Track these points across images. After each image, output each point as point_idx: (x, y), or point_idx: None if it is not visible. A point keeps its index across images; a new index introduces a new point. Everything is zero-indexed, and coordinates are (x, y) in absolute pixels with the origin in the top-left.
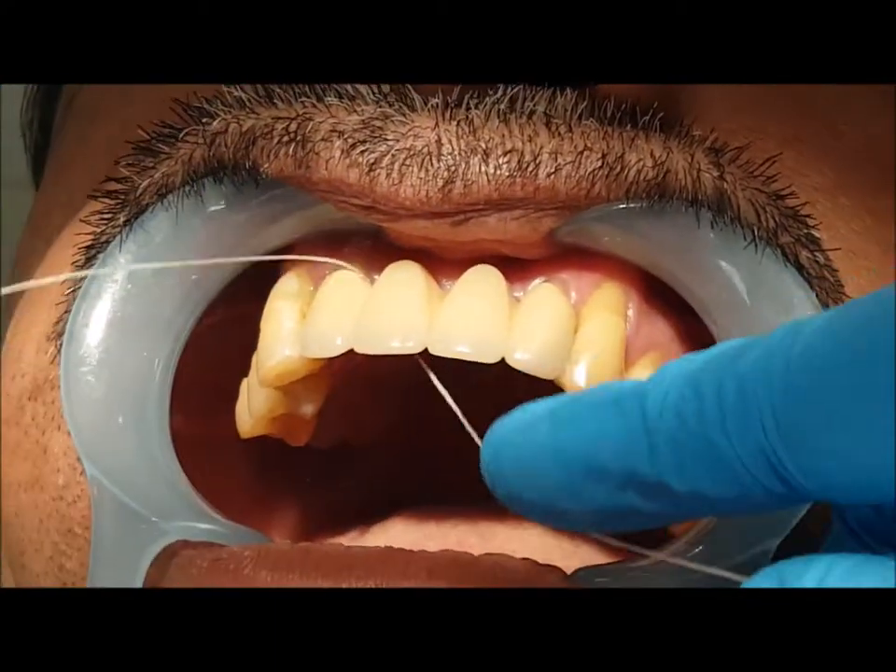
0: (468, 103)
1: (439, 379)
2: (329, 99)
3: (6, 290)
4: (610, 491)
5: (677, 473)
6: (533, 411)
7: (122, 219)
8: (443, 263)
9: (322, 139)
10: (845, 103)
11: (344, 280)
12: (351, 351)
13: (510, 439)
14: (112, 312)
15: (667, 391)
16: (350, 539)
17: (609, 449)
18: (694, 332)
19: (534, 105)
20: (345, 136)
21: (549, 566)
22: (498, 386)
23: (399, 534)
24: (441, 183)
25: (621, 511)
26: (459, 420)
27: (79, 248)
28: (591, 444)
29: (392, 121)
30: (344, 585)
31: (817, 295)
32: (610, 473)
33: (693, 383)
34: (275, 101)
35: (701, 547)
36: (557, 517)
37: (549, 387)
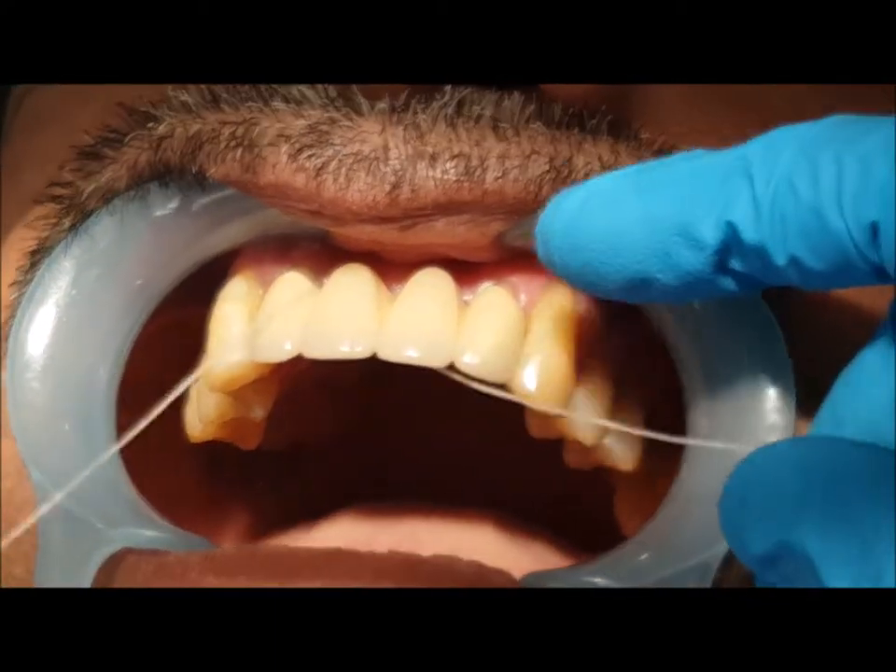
0: (414, 107)
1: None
2: (276, 103)
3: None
4: (705, 257)
5: (781, 241)
6: (607, 182)
7: (67, 224)
8: (392, 266)
9: (269, 143)
10: (799, 107)
11: (293, 284)
12: (300, 354)
13: (587, 209)
14: (57, 317)
15: (776, 160)
16: (299, 534)
17: (707, 213)
18: (645, 334)
19: (481, 110)
20: (292, 141)
21: (497, 569)
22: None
23: (348, 527)
24: (388, 188)
25: (711, 280)
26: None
27: (25, 253)
28: (687, 209)
29: (339, 126)
30: (291, 587)
31: (769, 299)
32: (706, 239)
33: (809, 155)
34: (222, 105)
35: (650, 553)
36: (639, 289)
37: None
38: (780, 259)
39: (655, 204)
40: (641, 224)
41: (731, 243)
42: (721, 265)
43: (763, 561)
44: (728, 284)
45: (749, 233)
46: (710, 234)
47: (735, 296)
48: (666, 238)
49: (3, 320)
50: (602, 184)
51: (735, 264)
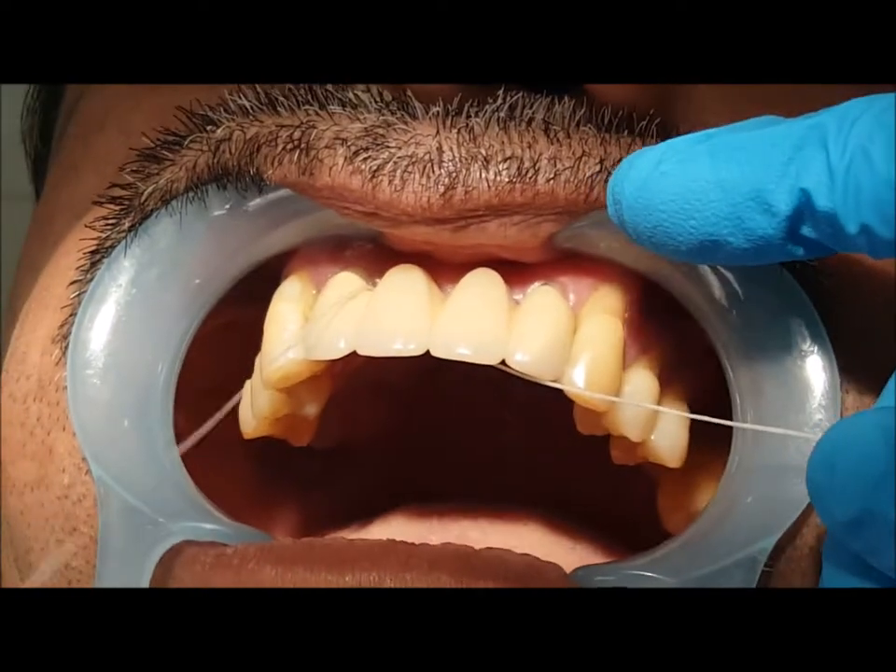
0: (468, 111)
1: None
2: (332, 107)
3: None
4: (778, 223)
5: (854, 210)
6: (681, 145)
7: (127, 225)
8: (444, 267)
9: (326, 146)
10: None
11: (346, 283)
12: (353, 353)
13: (660, 170)
14: (117, 316)
15: (851, 129)
16: (352, 533)
17: (781, 180)
18: (691, 334)
19: (533, 113)
20: (348, 144)
21: (549, 562)
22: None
23: (400, 528)
24: (442, 189)
25: (781, 245)
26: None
27: (84, 253)
28: (761, 174)
29: (394, 129)
30: (348, 577)
31: (812, 298)
32: (779, 205)
33: (887, 127)
34: (279, 109)
35: (698, 547)
36: (710, 251)
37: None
38: (852, 228)
39: (729, 169)
40: (715, 188)
41: (803, 209)
42: (792, 231)
43: (848, 527)
44: (797, 250)
45: (821, 201)
46: (784, 200)
47: (804, 259)
48: (740, 202)
49: (62, 319)
50: (676, 146)
51: (806, 231)
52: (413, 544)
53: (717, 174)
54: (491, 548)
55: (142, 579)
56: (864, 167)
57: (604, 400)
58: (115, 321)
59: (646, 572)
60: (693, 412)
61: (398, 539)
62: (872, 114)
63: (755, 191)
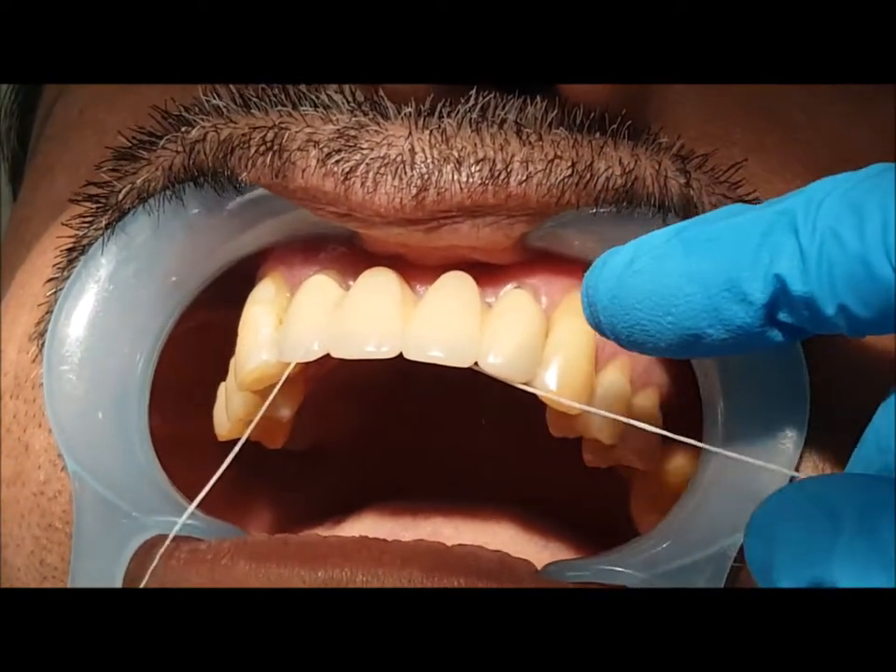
0: (440, 112)
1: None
2: (305, 108)
3: None
4: (755, 311)
5: (829, 291)
6: (652, 242)
7: (104, 223)
8: (417, 269)
9: (298, 148)
10: (812, 111)
11: (320, 286)
12: (326, 355)
13: (634, 269)
14: (93, 312)
15: (820, 210)
16: (326, 530)
17: (754, 268)
18: None
19: (505, 114)
20: (321, 146)
21: (521, 559)
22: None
23: (374, 524)
24: (414, 191)
25: (760, 332)
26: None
27: (61, 251)
28: (734, 264)
29: (366, 130)
30: (321, 573)
31: None
32: (755, 293)
33: (853, 205)
34: (252, 110)
35: (668, 543)
36: (690, 345)
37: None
38: (829, 309)
39: (702, 261)
40: (690, 281)
41: (779, 295)
42: (770, 318)
43: None
44: (776, 335)
45: (796, 285)
46: (759, 288)
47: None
48: (716, 294)
49: (39, 317)
50: (648, 243)
51: (784, 316)
52: (385, 540)
53: (690, 266)
54: (463, 545)
55: (116, 573)
56: (835, 247)
57: (573, 407)
58: (91, 317)
59: (616, 567)
60: (665, 413)
61: (371, 535)
62: (837, 194)
63: (729, 281)
